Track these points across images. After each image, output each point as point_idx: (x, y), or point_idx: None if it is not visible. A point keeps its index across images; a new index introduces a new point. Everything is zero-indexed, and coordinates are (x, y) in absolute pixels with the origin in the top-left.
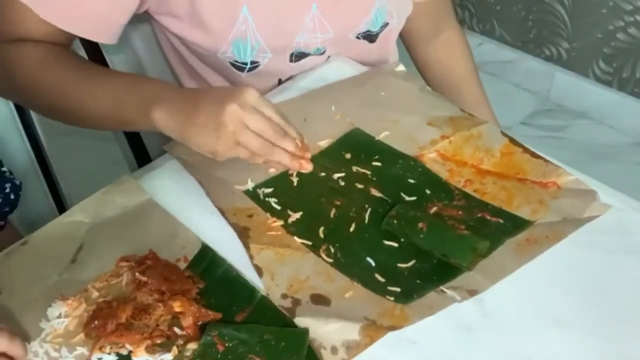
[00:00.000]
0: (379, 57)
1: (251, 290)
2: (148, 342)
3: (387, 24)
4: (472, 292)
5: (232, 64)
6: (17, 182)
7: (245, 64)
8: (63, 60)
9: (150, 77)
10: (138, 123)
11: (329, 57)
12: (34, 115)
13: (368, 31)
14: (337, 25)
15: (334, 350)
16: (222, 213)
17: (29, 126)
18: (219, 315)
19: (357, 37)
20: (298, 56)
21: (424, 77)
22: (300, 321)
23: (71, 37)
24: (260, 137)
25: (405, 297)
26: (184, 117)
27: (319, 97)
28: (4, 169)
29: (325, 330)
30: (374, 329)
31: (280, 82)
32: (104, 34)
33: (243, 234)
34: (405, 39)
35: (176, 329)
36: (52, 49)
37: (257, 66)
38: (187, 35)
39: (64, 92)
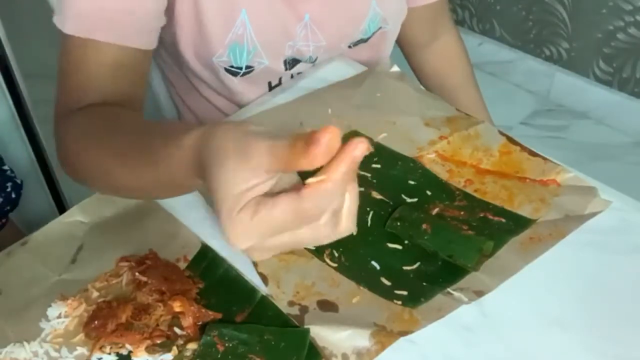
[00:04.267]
0: (370, 59)
1: (251, 290)
2: (148, 342)
3: (380, 28)
4: (479, 293)
5: (227, 70)
6: (19, 181)
7: (240, 68)
8: (101, 130)
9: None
10: (189, 189)
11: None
12: (34, 116)
13: (360, 39)
14: (329, 35)
15: (344, 357)
16: None
17: (29, 126)
18: (219, 315)
19: (350, 47)
20: (291, 63)
21: (421, 83)
22: (310, 329)
23: (137, 75)
24: None
25: (412, 300)
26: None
27: (315, 100)
28: (5, 167)
29: (335, 338)
30: (384, 335)
31: (270, 86)
32: (144, 39)
33: None
34: (401, 45)
35: (176, 329)
36: (98, 112)
37: (251, 71)
38: (184, 39)
39: (105, 170)
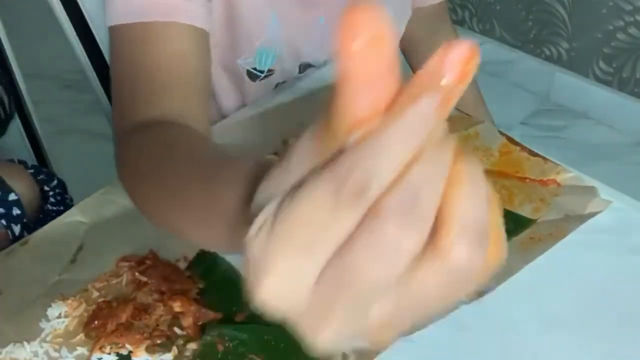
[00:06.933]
0: None
1: None
2: (148, 342)
3: None
4: (479, 293)
5: (248, 72)
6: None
7: (262, 72)
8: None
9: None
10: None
11: None
12: (34, 115)
13: None
14: None
15: (344, 357)
16: None
17: (29, 126)
18: (219, 315)
19: None
20: (304, 66)
21: None
22: None
23: (197, 68)
24: None
25: None
26: None
27: (315, 100)
28: (67, 195)
29: None
30: None
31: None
32: (201, 18)
33: None
34: (400, 43)
35: (176, 329)
36: (157, 133)
37: (271, 74)
38: (212, 39)
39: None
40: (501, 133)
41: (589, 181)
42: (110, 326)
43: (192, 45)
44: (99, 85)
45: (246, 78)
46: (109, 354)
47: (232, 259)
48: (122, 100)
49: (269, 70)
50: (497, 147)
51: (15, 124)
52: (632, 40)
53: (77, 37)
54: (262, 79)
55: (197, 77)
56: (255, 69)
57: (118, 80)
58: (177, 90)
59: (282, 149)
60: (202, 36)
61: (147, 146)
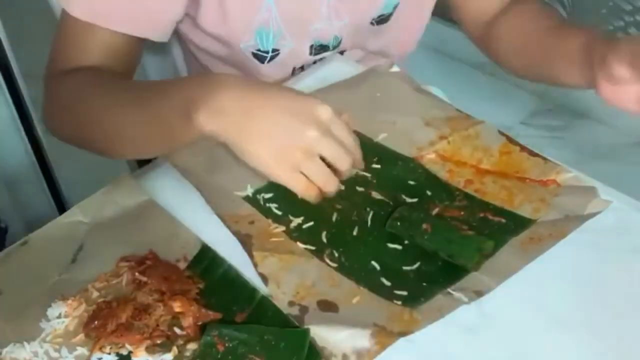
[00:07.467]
0: (393, 43)
1: (251, 290)
2: (148, 342)
3: (398, 4)
4: (479, 293)
5: (254, 54)
6: (3, 226)
7: (267, 52)
8: (99, 82)
9: (195, 76)
10: (181, 133)
11: (343, 52)
12: (34, 116)
13: (381, 15)
14: (351, 11)
15: (344, 357)
16: (224, 221)
17: (29, 126)
18: (219, 315)
19: (372, 23)
20: (317, 49)
21: (507, 61)
22: (310, 329)
23: (130, 58)
24: (327, 167)
25: (412, 300)
26: (238, 120)
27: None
28: None
29: (335, 339)
30: (384, 335)
31: (294, 70)
32: (155, 31)
33: (246, 242)
34: (469, 22)
35: (176, 329)
36: (92, 74)
37: (277, 54)
38: (210, 29)
39: (99, 118)
40: (501, 133)
41: (589, 181)
42: (110, 326)
43: (129, 45)
44: None
45: (255, 60)
46: (109, 354)
47: (232, 259)
48: (57, 57)
49: (274, 50)
50: (497, 147)
51: (15, 124)
52: None
53: None
54: (269, 61)
55: (124, 67)
56: (259, 50)
57: (58, 43)
58: (105, 64)
59: None
60: (141, 41)
61: (86, 80)
